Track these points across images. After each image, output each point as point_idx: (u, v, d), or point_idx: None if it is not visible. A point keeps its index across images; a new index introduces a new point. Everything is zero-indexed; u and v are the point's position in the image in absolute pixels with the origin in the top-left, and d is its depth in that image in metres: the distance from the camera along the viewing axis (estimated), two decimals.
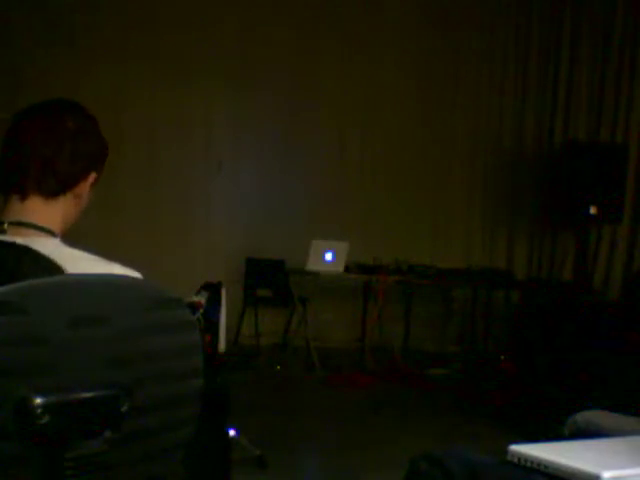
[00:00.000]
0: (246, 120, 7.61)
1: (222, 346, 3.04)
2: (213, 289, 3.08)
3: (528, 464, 1.62)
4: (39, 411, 1.04)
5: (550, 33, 8.00)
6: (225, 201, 7.66)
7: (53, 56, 6.90)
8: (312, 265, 6.60)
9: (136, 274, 1.47)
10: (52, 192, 1.57)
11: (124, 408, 1.12)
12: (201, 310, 2.87)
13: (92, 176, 1.62)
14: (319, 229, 7.18)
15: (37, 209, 1.56)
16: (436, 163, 8.17)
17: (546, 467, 1.59)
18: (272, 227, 7.57)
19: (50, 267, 1.37)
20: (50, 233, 1.55)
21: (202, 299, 2.92)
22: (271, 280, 7.05)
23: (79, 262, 1.48)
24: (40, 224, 1.54)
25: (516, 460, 1.65)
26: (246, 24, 7.51)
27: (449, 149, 8.24)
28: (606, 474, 1.51)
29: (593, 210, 6.76)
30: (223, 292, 3.10)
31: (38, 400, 1.04)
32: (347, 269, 6.79)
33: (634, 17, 7.30)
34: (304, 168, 7.74)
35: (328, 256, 6.67)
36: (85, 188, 1.62)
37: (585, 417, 2.57)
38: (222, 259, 7.35)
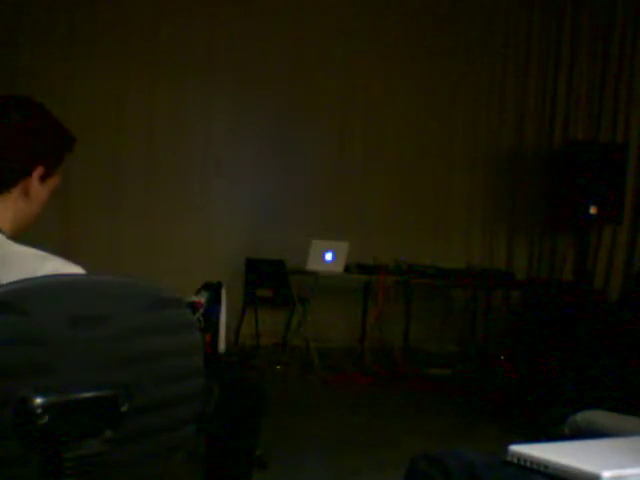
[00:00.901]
0: (245, 120, 7.60)
1: (222, 346, 3.04)
2: (213, 289, 3.07)
3: (528, 464, 1.62)
4: (39, 411, 1.04)
5: (550, 33, 8.01)
6: (225, 201, 7.65)
7: (51, 55, 6.90)
8: (312, 265, 6.60)
9: (77, 268, 1.47)
10: None
11: (124, 408, 1.13)
12: (201, 310, 2.87)
13: (38, 170, 1.62)
14: (319, 229, 7.18)
15: None
16: (436, 163, 8.17)
17: (546, 467, 1.59)
18: (272, 227, 7.56)
19: None
20: None
21: (202, 299, 2.92)
22: (271, 280, 7.05)
23: (16, 257, 1.48)
24: None
25: (516, 460, 1.64)
26: (246, 24, 7.51)
27: (449, 149, 8.24)
28: (606, 474, 1.51)
29: (593, 210, 6.76)
30: (223, 292, 3.09)
31: (38, 400, 1.04)
32: (347, 269, 6.79)
33: (634, 17, 7.30)
34: (304, 168, 7.74)
35: (328, 256, 6.67)
36: (33, 185, 1.62)
37: (585, 417, 2.57)
38: (222, 259, 7.35)
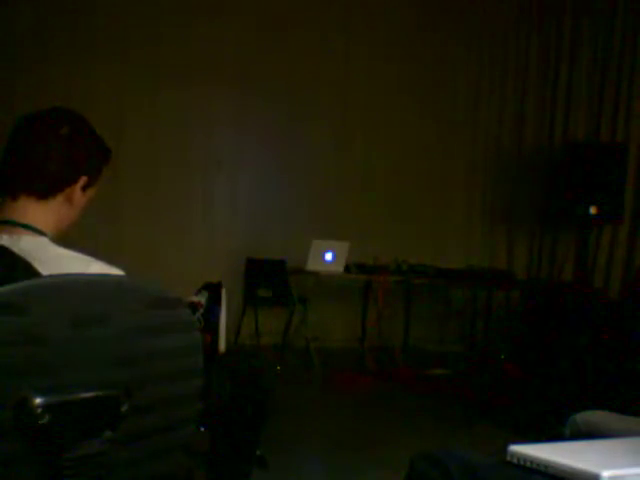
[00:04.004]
0: (246, 120, 7.61)
1: (222, 346, 3.04)
2: (213, 289, 3.07)
3: (528, 464, 1.62)
4: (39, 411, 1.04)
5: (550, 33, 8.01)
6: (225, 201, 7.66)
7: (52, 58, 6.90)
8: (312, 265, 6.60)
9: (119, 271, 1.51)
10: (41, 194, 1.65)
11: (124, 408, 1.13)
12: (201, 310, 2.87)
13: (82, 180, 1.70)
14: (319, 229, 7.18)
15: (27, 209, 1.63)
16: (436, 163, 8.17)
17: (546, 467, 1.59)
18: (272, 227, 7.57)
19: (16, 264, 1.43)
20: (37, 232, 1.61)
21: (202, 299, 2.91)
22: (271, 280, 7.05)
23: (60, 260, 1.55)
24: (28, 223, 1.61)
25: (516, 460, 1.64)
26: (246, 24, 7.51)
27: (449, 149, 8.24)
28: (606, 474, 1.51)
29: (593, 210, 6.76)
30: (223, 292, 3.09)
31: (38, 400, 1.04)
32: (347, 269, 6.79)
33: (634, 17, 7.30)
34: (304, 168, 7.74)
35: (328, 256, 6.67)
36: (76, 191, 1.70)
37: (585, 417, 2.57)
38: (222, 259, 7.35)
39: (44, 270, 1.43)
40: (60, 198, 1.67)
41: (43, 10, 6.87)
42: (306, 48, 7.71)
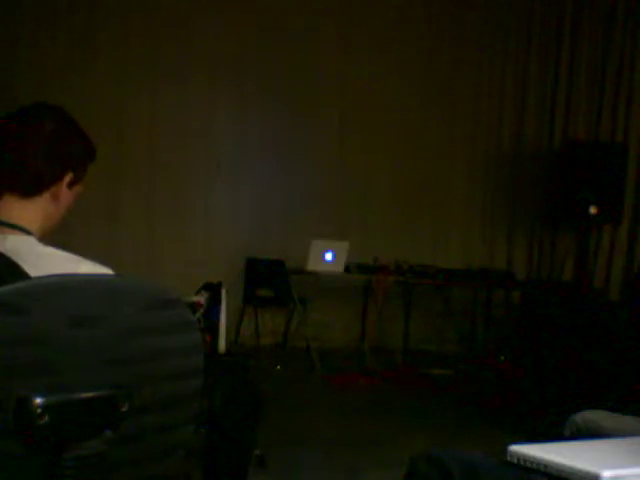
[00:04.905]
0: (246, 121, 7.60)
1: (222, 346, 3.04)
2: (213, 289, 3.07)
3: (528, 464, 1.62)
4: (39, 411, 1.04)
5: (550, 32, 8.01)
6: (225, 201, 7.65)
7: (52, 58, 6.90)
8: (312, 265, 6.60)
9: (109, 270, 1.49)
10: (26, 192, 1.62)
11: (124, 408, 1.13)
12: (201, 310, 2.87)
13: (68, 176, 1.67)
14: (319, 229, 7.18)
15: (12, 208, 1.61)
16: (436, 163, 8.16)
17: (546, 467, 1.59)
18: (272, 227, 7.56)
19: (3, 264, 1.42)
20: (24, 231, 1.58)
21: (202, 299, 2.92)
22: (271, 280, 7.05)
23: (48, 260, 1.52)
24: (13, 222, 1.58)
25: (516, 460, 1.65)
26: (246, 24, 7.51)
27: (449, 149, 8.24)
28: (606, 474, 1.51)
29: (593, 210, 6.76)
30: (223, 292, 3.10)
31: (38, 400, 1.04)
32: (347, 269, 6.79)
33: (634, 17, 7.30)
34: (304, 168, 7.74)
35: (328, 256, 6.67)
36: (62, 188, 1.67)
37: (585, 417, 2.57)
38: (222, 259, 7.35)
39: (32, 270, 1.42)
40: (46, 196, 1.64)
41: (42, 10, 6.87)
42: (306, 48, 7.71)
